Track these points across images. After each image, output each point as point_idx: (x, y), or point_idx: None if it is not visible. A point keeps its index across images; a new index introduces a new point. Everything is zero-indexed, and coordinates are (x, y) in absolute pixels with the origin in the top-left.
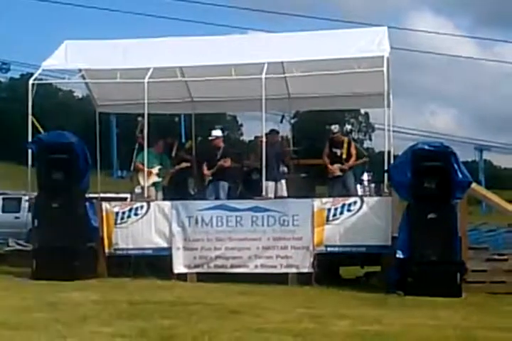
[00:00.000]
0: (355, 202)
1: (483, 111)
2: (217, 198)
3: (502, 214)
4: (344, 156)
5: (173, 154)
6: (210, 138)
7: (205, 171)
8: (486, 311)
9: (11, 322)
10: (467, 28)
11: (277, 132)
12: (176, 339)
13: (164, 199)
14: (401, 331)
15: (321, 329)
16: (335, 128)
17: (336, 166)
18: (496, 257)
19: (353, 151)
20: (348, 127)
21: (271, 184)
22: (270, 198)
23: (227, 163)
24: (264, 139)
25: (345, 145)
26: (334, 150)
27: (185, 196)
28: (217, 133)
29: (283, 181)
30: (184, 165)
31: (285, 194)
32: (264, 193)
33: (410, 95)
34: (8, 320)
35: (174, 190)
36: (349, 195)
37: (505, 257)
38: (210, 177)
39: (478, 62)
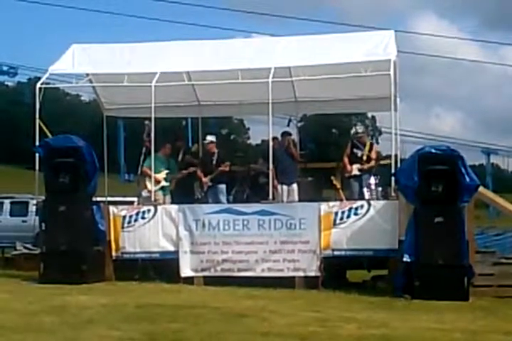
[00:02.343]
0: (362, 206)
1: (488, 113)
2: (217, 202)
3: (509, 218)
4: (364, 158)
5: (180, 158)
6: (204, 142)
7: (203, 179)
8: (493, 315)
9: (19, 325)
10: (471, 31)
11: (289, 134)
12: None
13: (172, 203)
14: (408, 335)
15: (327, 332)
16: (360, 128)
17: (355, 166)
18: (504, 261)
19: (373, 155)
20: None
21: (285, 188)
22: (277, 202)
23: (227, 167)
24: (276, 141)
25: (367, 148)
26: (355, 150)
27: (191, 200)
28: (210, 138)
29: (294, 185)
30: (191, 169)
31: (296, 199)
32: (275, 197)
33: (415, 98)
34: (16, 323)
35: (181, 194)
36: (356, 199)
37: None
38: (210, 184)
39: (483, 65)
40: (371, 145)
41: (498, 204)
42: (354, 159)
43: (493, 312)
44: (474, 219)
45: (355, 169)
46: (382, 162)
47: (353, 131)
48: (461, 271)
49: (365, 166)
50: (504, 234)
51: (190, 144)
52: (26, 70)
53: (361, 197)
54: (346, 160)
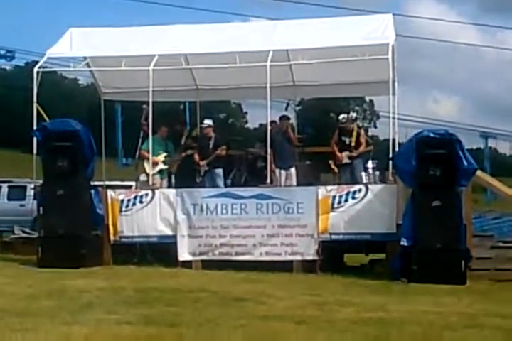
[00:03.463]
0: (359, 190)
1: (486, 98)
2: (215, 186)
3: (507, 202)
4: (353, 144)
5: (182, 142)
6: (201, 125)
7: (200, 162)
8: (490, 299)
9: (17, 309)
10: (470, 15)
11: (288, 118)
12: (181, 326)
13: (175, 186)
14: (405, 318)
15: (325, 316)
16: (343, 118)
17: (345, 154)
18: (501, 245)
19: (362, 140)
20: (353, 115)
21: (283, 172)
22: (275, 186)
23: (224, 151)
24: (274, 125)
25: (354, 134)
26: (343, 138)
27: (193, 183)
28: (208, 122)
29: (292, 169)
30: (190, 152)
31: (294, 183)
32: (273, 181)
33: (413, 82)
34: (14, 307)
35: (183, 177)
36: (355, 183)
37: (510, 245)
38: (206, 168)
39: (481, 49)
40: (358, 131)
41: (495, 188)
42: (343, 146)
43: (490, 295)
44: (472, 202)
45: (345, 157)
46: (365, 149)
47: (339, 118)
48: (458, 254)
49: (354, 153)
50: (501, 217)
51: (188, 128)
52: (24, 54)
53: (354, 183)
54: (335, 147)
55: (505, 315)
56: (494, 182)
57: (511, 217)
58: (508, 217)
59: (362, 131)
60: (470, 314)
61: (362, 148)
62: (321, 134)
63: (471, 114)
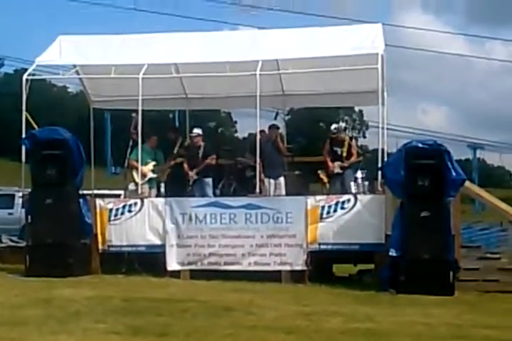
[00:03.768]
0: (348, 200)
1: (474, 109)
2: (204, 196)
3: (495, 213)
4: (344, 155)
5: (175, 151)
6: (190, 135)
7: (190, 172)
8: (478, 309)
9: (4, 318)
10: (457, 26)
11: (278, 127)
12: (169, 336)
13: (165, 195)
14: (393, 329)
15: (313, 326)
16: (335, 129)
17: (336, 164)
18: (489, 255)
19: (354, 151)
20: (343, 124)
21: (272, 182)
22: (264, 196)
23: (214, 161)
24: (264, 134)
25: (346, 144)
26: (335, 148)
27: (183, 192)
28: (197, 131)
29: (281, 179)
30: (179, 160)
31: (283, 192)
32: (262, 191)
33: (401, 93)
34: (1, 316)
35: (172, 186)
36: (345, 193)
37: (498, 255)
38: (196, 177)
39: (469, 60)
40: (350, 140)
41: (483, 199)
42: (335, 157)
43: (478, 306)
44: (460, 213)
45: (337, 167)
46: (366, 155)
47: (331, 128)
48: (446, 265)
49: (346, 163)
50: (490, 228)
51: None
52: (13, 61)
53: (344, 193)
54: (327, 158)
55: (492, 326)
56: (482, 193)
57: (499, 227)
58: (496, 227)
59: (353, 142)
60: (458, 325)
61: (353, 159)
62: (310, 144)
63: (459, 124)
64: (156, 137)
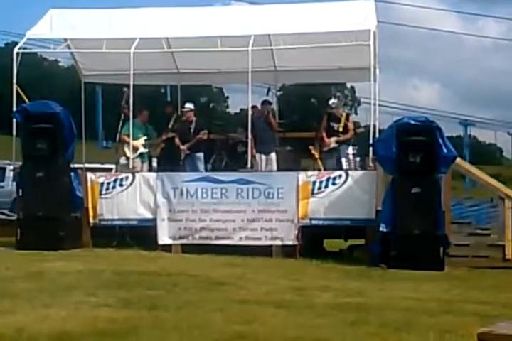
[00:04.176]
0: (340, 176)
1: (466, 86)
2: (195, 170)
3: (485, 189)
4: (341, 130)
5: (170, 126)
6: (182, 110)
7: (181, 146)
8: (468, 285)
9: None
10: (450, 3)
11: (270, 103)
12: (160, 310)
13: (157, 170)
14: (383, 303)
15: (304, 301)
16: (333, 103)
17: (332, 139)
18: (479, 232)
19: (351, 126)
20: (335, 101)
21: (263, 157)
22: (256, 170)
23: (205, 135)
24: (256, 110)
25: (343, 120)
26: (331, 124)
27: (177, 167)
28: (188, 106)
29: (273, 154)
30: (171, 135)
31: (275, 168)
32: (253, 166)
33: (393, 69)
34: None
35: (166, 160)
36: (340, 168)
37: (488, 232)
38: (187, 152)
39: (461, 37)
40: (347, 116)
41: (474, 176)
42: (331, 132)
43: (467, 282)
44: (451, 190)
45: (332, 142)
46: (357, 131)
47: (329, 102)
48: (437, 241)
49: (342, 138)
50: (480, 205)
51: None
52: (3, 35)
53: (339, 168)
54: (324, 133)
55: (482, 301)
56: (473, 169)
57: (489, 204)
58: (487, 204)
59: (351, 118)
60: (448, 300)
61: (349, 135)
62: (302, 120)
63: (451, 101)
64: (147, 112)
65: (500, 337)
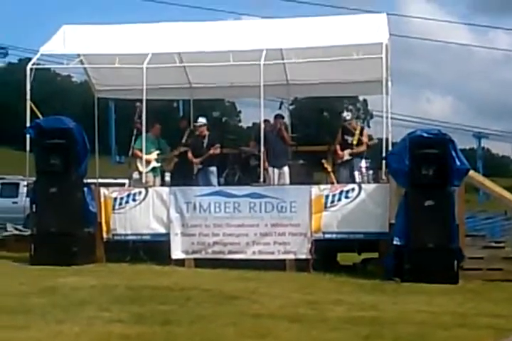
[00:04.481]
0: (353, 189)
1: (478, 98)
2: (208, 185)
3: (499, 202)
4: (355, 143)
5: (184, 140)
6: (195, 124)
7: (194, 159)
8: (482, 298)
9: (9, 306)
10: (459, 15)
11: (282, 117)
12: (173, 325)
13: (171, 184)
14: (397, 317)
15: (317, 314)
16: (347, 115)
17: (346, 151)
18: (493, 244)
19: (365, 140)
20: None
21: (276, 171)
22: (269, 184)
23: (218, 150)
24: (268, 123)
25: (357, 132)
26: (346, 137)
27: (190, 182)
28: (202, 120)
29: (286, 168)
30: (183, 149)
31: (287, 182)
32: (266, 180)
33: (406, 82)
34: (5, 304)
35: (179, 175)
36: (353, 180)
37: (502, 244)
38: (200, 166)
39: (472, 49)
40: (361, 130)
41: (488, 188)
42: (345, 145)
43: (482, 295)
44: (464, 202)
45: (346, 154)
46: (369, 143)
47: (343, 115)
48: (450, 254)
49: (356, 150)
50: (494, 217)
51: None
52: (17, 51)
53: (352, 182)
54: (338, 147)
55: (497, 314)
56: (487, 182)
57: (503, 216)
58: (501, 216)
59: (365, 131)
60: (462, 313)
61: (363, 148)
62: (314, 133)
63: (464, 113)
64: (159, 126)
65: None
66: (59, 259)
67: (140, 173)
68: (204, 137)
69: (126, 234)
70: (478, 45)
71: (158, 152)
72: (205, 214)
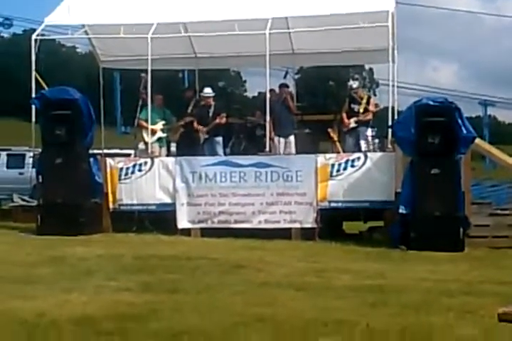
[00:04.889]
0: (358, 158)
1: (485, 66)
2: (214, 154)
3: (505, 170)
4: (361, 111)
5: (189, 110)
6: (201, 95)
7: (201, 128)
8: (487, 265)
9: (16, 276)
10: None
11: (287, 86)
12: (180, 293)
13: (177, 154)
14: (403, 285)
15: (323, 283)
16: (354, 83)
17: (352, 119)
18: (499, 212)
19: (371, 108)
20: (356, 82)
21: (282, 140)
22: (274, 154)
23: (223, 119)
24: (273, 93)
25: (364, 101)
26: (353, 105)
27: (196, 151)
28: (208, 90)
29: (291, 137)
30: (188, 119)
31: (293, 151)
32: (272, 149)
33: (412, 50)
34: (13, 274)
35: (185, 145)
36: (359, 149)
37: (508, 212)
38: (206, 136)
39: (480, 17)
40: (368, 98)
41: (494, 156)
42: (352, 114)
43: (487, 262)
44: (470, 170)
45: (352, 122)
46: (374, 109)
47: (349, 84)
48: (456, 222)
49: (362, 117)
50: (500, 185)
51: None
52: (22, 21)
53: (358, 150)
54: (344, 115)
55: (502, 282)
56: (493, 150)
57: (509, 184)
58: (507, 184)
59: (372, 100)
60: (468, 281)
61: (369, 116)
62: (320, 102)
63: (470, 81)
64: (161, 96)
65: None
66: (66, 229)
67: (146, 144)
68: (210, 107)
69: (133, 204)
70: (486, 12)
71: (163, 122)
72: (211, 184)
